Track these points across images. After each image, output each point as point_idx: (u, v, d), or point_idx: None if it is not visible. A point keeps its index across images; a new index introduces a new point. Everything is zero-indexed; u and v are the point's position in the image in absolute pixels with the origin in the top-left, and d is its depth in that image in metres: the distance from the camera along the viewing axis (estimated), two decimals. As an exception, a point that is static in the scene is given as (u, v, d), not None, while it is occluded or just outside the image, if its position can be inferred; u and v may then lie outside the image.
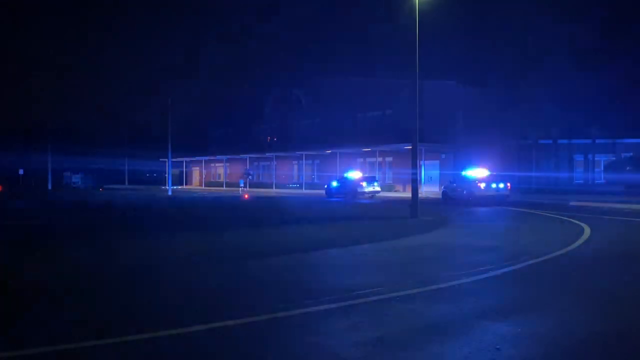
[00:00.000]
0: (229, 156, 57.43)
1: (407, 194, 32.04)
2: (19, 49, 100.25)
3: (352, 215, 19.58)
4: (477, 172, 26.00)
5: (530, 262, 8.93)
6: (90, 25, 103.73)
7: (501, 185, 25.03)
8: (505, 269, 8.29)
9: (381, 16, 65.91)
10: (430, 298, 6.54)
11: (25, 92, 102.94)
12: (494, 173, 27.00)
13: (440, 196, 28.92)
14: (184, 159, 63.82)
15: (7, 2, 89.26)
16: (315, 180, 48.53)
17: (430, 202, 26.26)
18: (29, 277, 7.92)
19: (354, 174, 34.50)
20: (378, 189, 34.00)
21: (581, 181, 40.98)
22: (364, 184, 33.29)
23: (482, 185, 24.76)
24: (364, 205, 25.54)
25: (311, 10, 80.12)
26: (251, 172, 52.33)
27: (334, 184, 35.18)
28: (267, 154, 53.03)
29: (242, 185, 45.86)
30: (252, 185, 53.49)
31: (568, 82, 39.75)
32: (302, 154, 48.33)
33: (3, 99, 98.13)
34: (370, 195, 32.99)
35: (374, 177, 35.99)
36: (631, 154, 37.39)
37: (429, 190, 38.82)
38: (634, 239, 12.53)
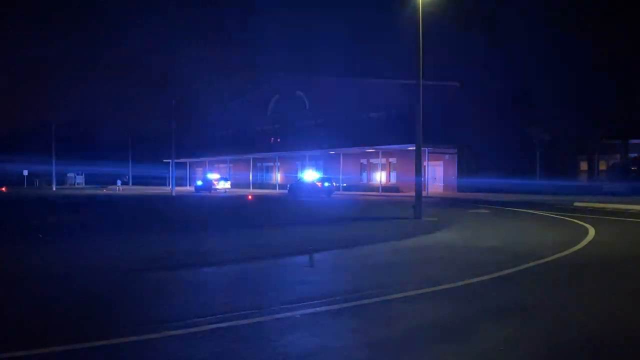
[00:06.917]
0: (232, 157, 57.43)
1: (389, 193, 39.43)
2: (22, 50, 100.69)
3: (352, 216, 19.58)
4: (312, 175, 38.35)
5: (537, 262, 8.93)
6: (95, 25, 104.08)
7: (328, 184, 36.89)
8: (512, 270, 8.26)
9: (385, 16, 65.92)
10: (435, 298, 6.53)
11: (28, 92, 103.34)
12: (325, 175, 39.74)
13: (287, 192, 38.57)
14: (187, 160, 63.76)
15: (12, 2, 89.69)
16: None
17: (429, 204, 26.19)
18: None
19: (212, 175, 48.62)
20: (228, 186, 46.69)
21: (584, 182, 40.75)
22: (217, 182, 45.86)
23: (320, 183, 36.50)
24: (360, 205, 25.63)
25: (314, 10, 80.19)
26: (127, 176, 68.97)
27: (199, 182, 48.87)
28: (270, 155, 53.04)
29: (119, 184, 59.89)
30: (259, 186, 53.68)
31: (570, 83, 39.63)
32: (306, 155, 48.26)
33: (6, 99, 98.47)
34: (223, 190, 45.05)
35: (226, 177, 49.49)
36: (636, 154, 37.19)
37: (434, 192, 38.75)
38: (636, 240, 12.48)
